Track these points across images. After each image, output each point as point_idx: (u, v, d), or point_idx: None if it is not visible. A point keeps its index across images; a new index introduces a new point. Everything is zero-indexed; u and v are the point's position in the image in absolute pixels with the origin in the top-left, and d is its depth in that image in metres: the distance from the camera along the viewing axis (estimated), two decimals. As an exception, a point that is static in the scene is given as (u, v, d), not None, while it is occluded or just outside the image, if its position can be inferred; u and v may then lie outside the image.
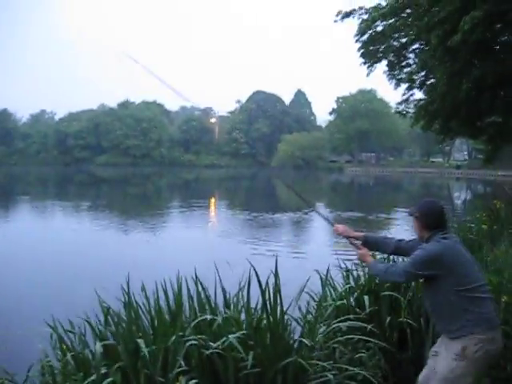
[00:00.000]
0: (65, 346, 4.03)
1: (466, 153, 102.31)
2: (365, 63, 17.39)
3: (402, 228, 22.38)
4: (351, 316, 4.64)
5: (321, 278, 5.17)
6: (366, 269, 5.04)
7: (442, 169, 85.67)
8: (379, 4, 16.60)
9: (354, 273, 5.63)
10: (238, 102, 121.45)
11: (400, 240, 4.15)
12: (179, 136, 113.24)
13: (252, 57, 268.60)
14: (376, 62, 17.31)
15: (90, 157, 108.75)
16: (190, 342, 3.65)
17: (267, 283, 4.09)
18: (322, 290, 5.05)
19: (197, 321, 3.88)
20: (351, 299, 5.10)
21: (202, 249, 16.20)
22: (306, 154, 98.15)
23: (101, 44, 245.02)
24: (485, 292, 3.60)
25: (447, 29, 11.02)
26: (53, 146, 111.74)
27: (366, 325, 4.53)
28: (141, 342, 3.62)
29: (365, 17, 16.65)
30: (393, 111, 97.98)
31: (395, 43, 17.20)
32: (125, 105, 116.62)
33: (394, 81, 18.22)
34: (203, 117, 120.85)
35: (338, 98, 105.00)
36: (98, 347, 3.69)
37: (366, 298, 4.99)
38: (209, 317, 3.93)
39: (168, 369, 3.58)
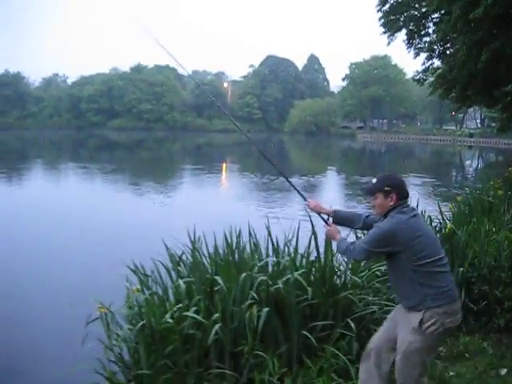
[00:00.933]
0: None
1: (478, 121, 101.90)
2: (385, 32, 17.79)
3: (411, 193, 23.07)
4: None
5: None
6: None
7: (454, 137, 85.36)
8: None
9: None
10: (251, 66, 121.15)
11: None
12: (192, 100, 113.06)
13: (265, 21, 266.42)
14: (396, 31, 17.69)
15: (103, 121, 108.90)
16: (259, 279, 4.40)
17: (314, 233, 4.87)
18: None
19: (264, 261, 4.63)
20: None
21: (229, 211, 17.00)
22: (318, 120, 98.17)
23: (113, 6, 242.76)
24: (443, 266, 3.65)
25: (469, 1, 11.44)
26: (66, 109, 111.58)
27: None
28: (217, 278, 4.37)
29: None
30: (406, 77, 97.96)
31: (415, 13, 17.55)
32: (137, 68, 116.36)
33: (413, 50, 18.60)
34: (216, 81, 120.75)
35: (352, 64, 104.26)
36: (181, 283, 4.45)
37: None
38: (274, 259, 4.68)
39: (242, 300, 4.32)
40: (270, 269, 4.74)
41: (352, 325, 4.39)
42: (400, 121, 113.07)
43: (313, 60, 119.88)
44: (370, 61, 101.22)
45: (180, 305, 4.25)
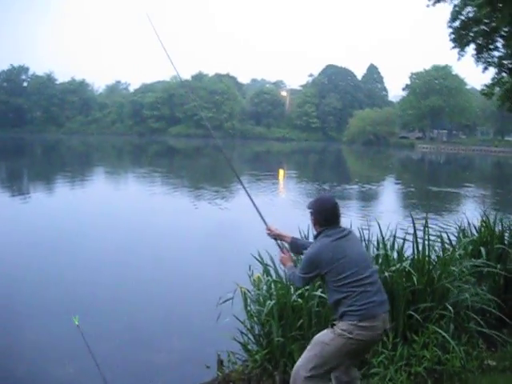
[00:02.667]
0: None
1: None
2: (454, 47, 18.26)
3: (467, 205, 23.52)
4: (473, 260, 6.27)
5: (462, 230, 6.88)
6: None
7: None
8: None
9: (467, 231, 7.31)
10: (311, 75, 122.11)
11: None
12: (250, 108, 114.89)
13: (325, 32, 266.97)
14: (466, 45, 18.13)
15: (163, 127, 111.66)
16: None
17: (415, 234, 5.75)
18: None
19: (376, 254, 5.55)
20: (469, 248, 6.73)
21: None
22: (376, 130, 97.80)
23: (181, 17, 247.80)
24: (365, 285, 3.86)
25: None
26: (128, 116, 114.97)
27: (493, 264, 6.12)
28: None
29: (456, 2, 17.54)
30: (467, 87, 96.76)
31: (485, 27, 17.96)
32: (198, 77, 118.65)
33: (481, 64, 19.00)
34: (274, 90, 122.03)
35: (412, 74, 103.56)
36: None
37: (482, 248, 6.58)
38: (382, 252, 5.58)
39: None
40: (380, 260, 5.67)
41: (450, 308, 5.22)
42: (460, 132, 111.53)
43: (372, 69, 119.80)
44: (431, 71, 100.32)
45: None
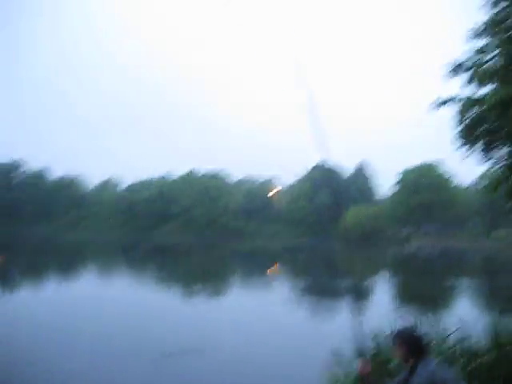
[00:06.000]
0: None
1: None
2: (462, 145, 18.14)
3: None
4: None
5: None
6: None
7: (508, 241, 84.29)
8: (474, 94, 17.41)
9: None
10: (303, 171, 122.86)
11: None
12: (243, 206, 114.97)
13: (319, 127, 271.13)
14: (474, 143, 18.04)
15: (156, 225, 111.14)
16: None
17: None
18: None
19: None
20: None
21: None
22: (370, 226, 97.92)
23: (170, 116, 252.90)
24: None
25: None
26: (120, 212, 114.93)
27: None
28: None
29: (460, 106, 17.56)
30: (456, 184, 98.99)
31: (488, 126, 17.92)
32: (191, 174, 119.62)
33: (484, 162, 18.84)
34: (267, 186, 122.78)
35: (402, 171, 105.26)
36: None
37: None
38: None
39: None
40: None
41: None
42: (451, 226, 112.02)
43: (364, 165, 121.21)
44: (421, 167, 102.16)
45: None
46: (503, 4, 16.39)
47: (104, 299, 23.06)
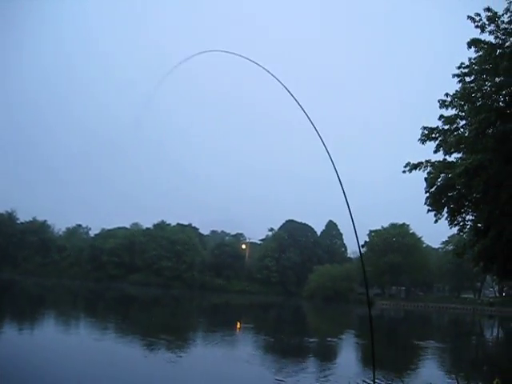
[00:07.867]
0: None
1: (496, 289, 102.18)
2: (430, 210, 19.06)
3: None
4: None
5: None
6: None
7: (474, 306, 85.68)
8: (445, 159, 18.36)
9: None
10: (271, 230, 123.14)
11: None
12: (211, 260, 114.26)
13: (286, 189, 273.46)
14: (442, 209, 18.99)
15: (122, 274, 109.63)
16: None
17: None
18: None
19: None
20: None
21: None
22: (336, 286, 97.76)
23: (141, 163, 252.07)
24: None
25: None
26: (86, 260, 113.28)
27: None
28: None
29: (431, 169, 18.55)
30: (425, 245, 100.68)
31: (455, 193, 18.91)
32: (160, 226, 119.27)
33: (455, 226, 19.77)
34: (235, 242, 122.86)
35: (371, 232, 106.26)
36: None
37: None
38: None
39: None
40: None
41: None
42: (418, 288, 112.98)
43: (331, 226, 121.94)
44: (389, 228, 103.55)
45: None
46: (468, 79, 17.56)
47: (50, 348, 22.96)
